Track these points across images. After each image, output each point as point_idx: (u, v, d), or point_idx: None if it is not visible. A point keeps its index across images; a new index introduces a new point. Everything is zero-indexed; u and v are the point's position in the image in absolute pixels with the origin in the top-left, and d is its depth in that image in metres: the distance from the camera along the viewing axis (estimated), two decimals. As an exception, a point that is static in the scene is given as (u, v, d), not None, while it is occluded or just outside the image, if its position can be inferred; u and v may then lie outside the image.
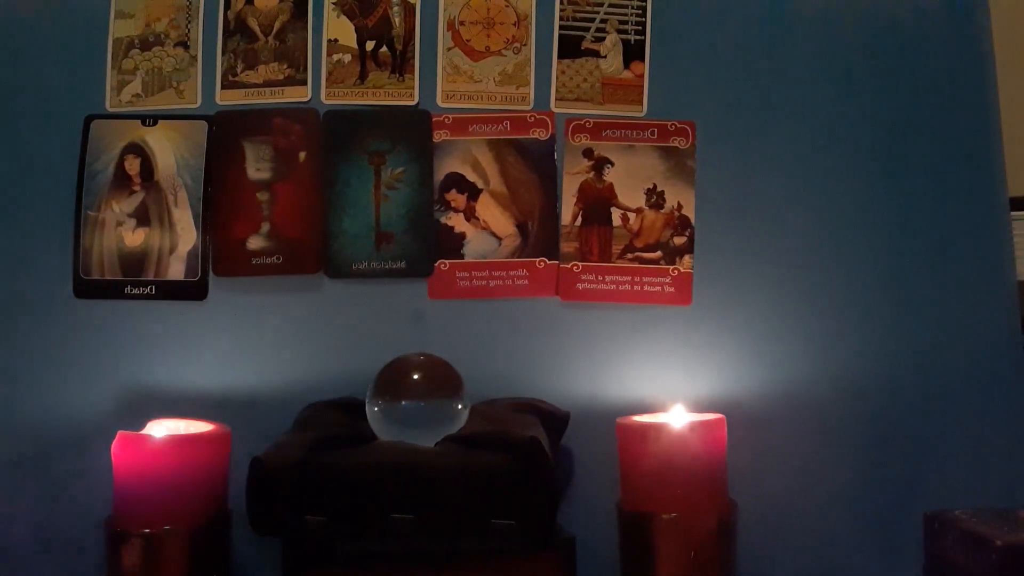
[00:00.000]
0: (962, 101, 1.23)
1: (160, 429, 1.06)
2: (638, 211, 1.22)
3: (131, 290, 1.19)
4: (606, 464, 1.11)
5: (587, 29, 1.23)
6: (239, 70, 1.22)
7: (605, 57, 1.23)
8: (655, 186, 1.22)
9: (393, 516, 1.00)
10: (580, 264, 1.21)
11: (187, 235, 1.20)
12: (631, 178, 1.22)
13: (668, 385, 1.17)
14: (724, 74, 1.23)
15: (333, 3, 1.22)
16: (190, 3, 1.23)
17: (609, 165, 1.22)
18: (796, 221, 1.21)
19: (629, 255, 1.21)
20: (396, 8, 1.23)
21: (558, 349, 1.20)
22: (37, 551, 1.14)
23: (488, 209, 1.21)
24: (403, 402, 1.05)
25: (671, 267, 1.21)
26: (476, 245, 1.21)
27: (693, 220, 1.21)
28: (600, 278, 1.21)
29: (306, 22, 1.22)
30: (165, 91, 1.22)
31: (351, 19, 1.23)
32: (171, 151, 1.21)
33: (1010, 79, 1.28)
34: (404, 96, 1.22)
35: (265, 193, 1.20)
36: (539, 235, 1.21)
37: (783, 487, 1.17)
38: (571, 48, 1.23)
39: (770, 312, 1.20)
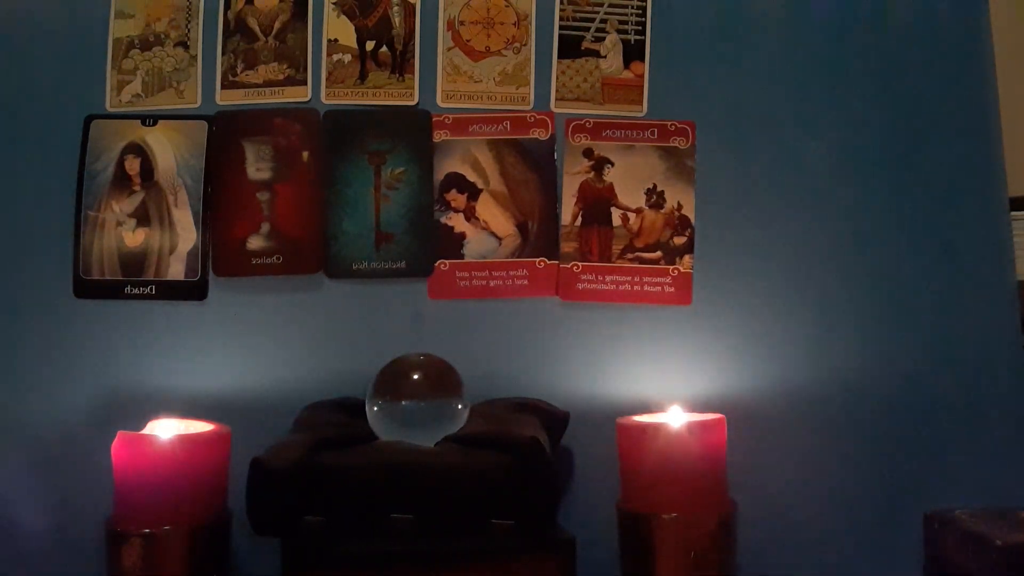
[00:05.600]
0: (962, 101, 1.23)
1: (160, 429, 1.06)
2: (638, 211, 1.22)
3: (131, 290, 1.19)
4: (606, 464, 1.11)
5: (587, 29, 1.23)
6: (239, 70, 1.22)
7: (605, 57, 1.23)
8: (655, 186, 1.22)
9: (393, 516, 1.00)
10: (580, 264, 1.21)
11: (187, 235, 1.20)
12: (631, 178, 1.22)
13: (668, 385, 1.17)
14: (724, 74, 1.23)
15: (333, 3, 1.22)
16: (190, 3, 1.23)
17: (609, 165, 1.22)
18: (796, 221, 1.21)
19: (629, 255, 1.21)
20: (396, 8, 1.23)
21: (558, 349, 1.20)
22: (37, 551, 1.14)
23: (488, 209, 1.21)
24: (403, 402, 1.05)
25: (671, 267, 1.21)
26: (476, 245, 1.21)
27: (693, 220, 1.21)
28: (600, 278, 1.21)
29: (306, 22, 1.22)
30: (165, 91, 1.22)
31: (351, 19, 1.23)
32: (171, 151, 1.21)
33: (1010, 79, 1.28)
34: (404, 96, 1.22)
35: (265, 193, 1.20)
36: (539, 235, 1.21)
37: (783, 487, 1.17)
38: (571, 48, 1.23)
39: (770, 312, 1.20)
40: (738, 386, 1.19)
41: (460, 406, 1.06)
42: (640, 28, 1.23)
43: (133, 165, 1.21)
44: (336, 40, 1.22)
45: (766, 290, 1.20)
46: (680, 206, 1.22)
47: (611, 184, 1.22)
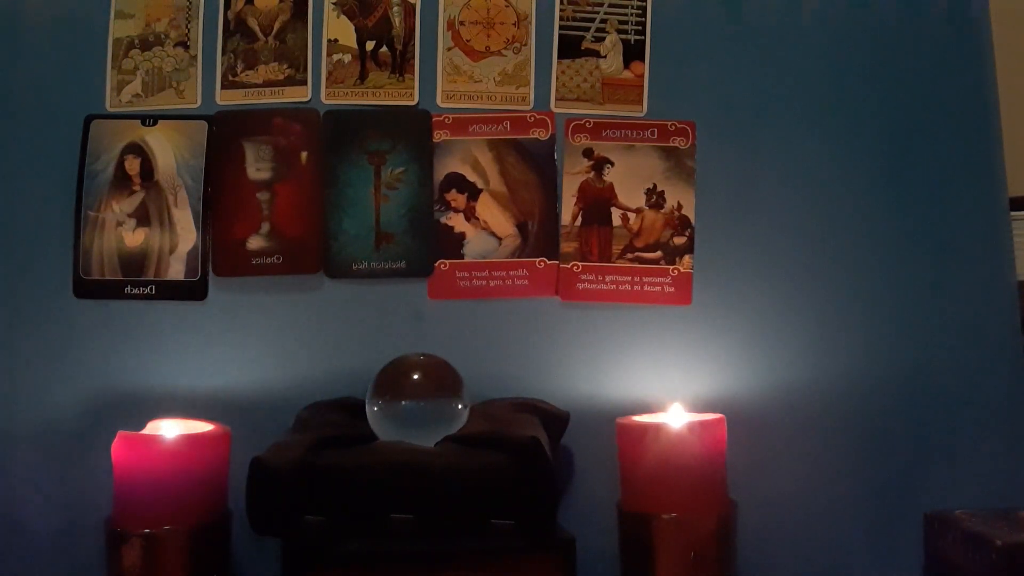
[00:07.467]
0: (962, 101, 1.23)
1: (160, 429, 1.06)
2: (638, 211, 1.22)
3: (131, 290, 1.19)
4: (606, 464, 1.11)
5: (587, 29, 1.23)
6: (239, 70, 1.22)
7: (605, 57, 1.23)
8: (655, 186, 1.22)
9: (393, 516, 1.00)
10: (580, 264, 1.21)
11: (187, 235, 1.20)
12: (631, 178, 1.22)
13: (668, 385, 1.17)
14: (724, 74, 1.23)
15: (333, 3, 1.22)
16: (190, 3, 1.23)
17: (609, 165, 1.22)
18: (796, 221, 1.21)
19: (629, 255, 1.21)
20: (396, 8, 1.23)
21: (558, 349, 1.20)
22: (38, 551, 1.14)
23: (488, 209, 1.21)
24: (403, 402, 1.05)
25: (671, 267, 1.21)
26: (476, 245, 1.21)
27: (693, 220, 1.21)
28: (600, 278, 1.21)
29: (306, 22, 1.22)
30: (165, 91, 1.22)
31: (351, 19, 1.23)
32: (171, 151, 1.21)
33: (1010, 79, 1.28)
34: (404, 96, 1.22)
35: (265, 193, 1.20)
36: (539, 235, 1.21)
37: (783, 487, 1.17)
38: (571, 48, 1.23)
39: (770, 312, 1.20)
40: (738, 386, 1.19)
41: (460, 406, 1.06)
42: (640, 28, 1.23)
43: (133, 165, 1.21)
44: (336, 40, 1.22)
45: (766, 290, 1.20)
46: (680, 206, 1.22)
47: (611, 184, 1.22)
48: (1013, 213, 1.23)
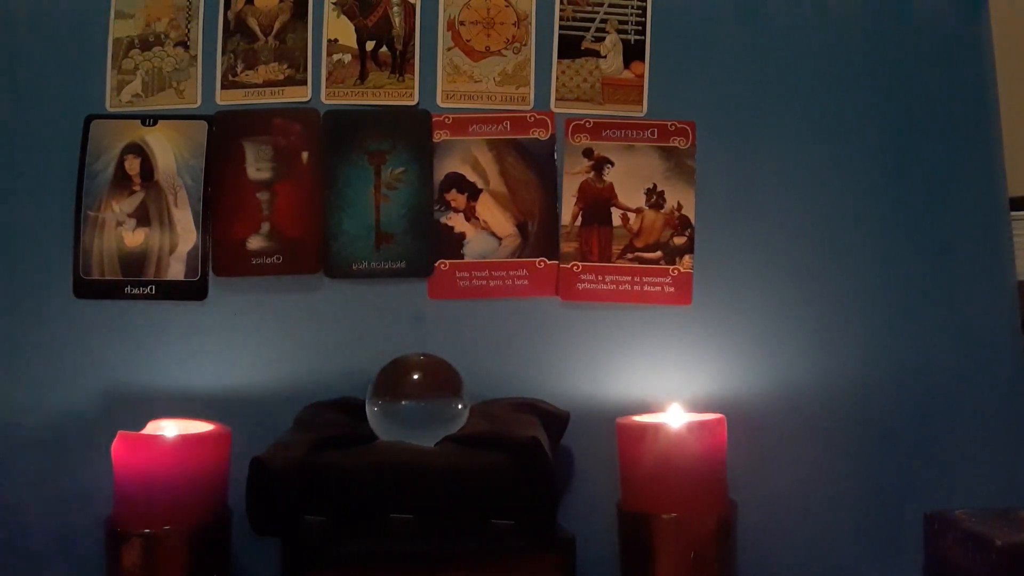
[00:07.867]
0: (962, 101, 1.23)
1: (160, 429, 1.06)
2: (638, 211, 1.22)
3: (131, 290, 1.19)
4: (606, 464, 1.11)
5: (587, 29, 1.23)
6: (239, 70, 1.22)
7: (605, 57, 1.23)
8: (655, 186, 1.22)
9: (393, 516, 1.00)
10: (580, 264, 1.21)
11: (187, 235, 1.20)
12: (631, 178, 1.22)
13: (668, 385, 1.17)
14: (724, 74, 1.23)
15: (333, 3, 1.23)
16: (190, 3, 1.23)
17: (609, 165, 1.22)
18: (796, 221, 1.21)
19: (629, 255, 1.21)
20: (396, 8, 1.23)
21: (558, 349, 1.20)
22: (37, 551, 1.14)
23: (488, 209, 1.21)
24: (403, 402, 1.05)
25: (671, 267, 1.21)
26: (476, 245, 1.21)
27: (693, 220, 1.21)
28: (600, 278, 1.21)
29: (306, 22, 1.22)
30: (165, 91, 1.22)
31: (351, 19, 1.23)
32: (171, 151, 1.21)
33: (1010, 79, 1.28)
34: (404, 96, 1.22)
35: (265, 193, 1.20)
36: (539, 235, 1.21)
37: (783, 487, 1.17)
38: (571, 48, 1.23)
39: (770, 312, 1.20)
40: (738, 386, 1.19)
41: (460, 406, 1.06)
42: (640, 28, 1.23)
43: (133, 165, 1.21)
44: (336, 40, 1.22)
45: (766, 290, 1.20)
46: (680, 206, 1.22)
47: (611, 184, 1.22)
48: (1013, 213, 1.23)
